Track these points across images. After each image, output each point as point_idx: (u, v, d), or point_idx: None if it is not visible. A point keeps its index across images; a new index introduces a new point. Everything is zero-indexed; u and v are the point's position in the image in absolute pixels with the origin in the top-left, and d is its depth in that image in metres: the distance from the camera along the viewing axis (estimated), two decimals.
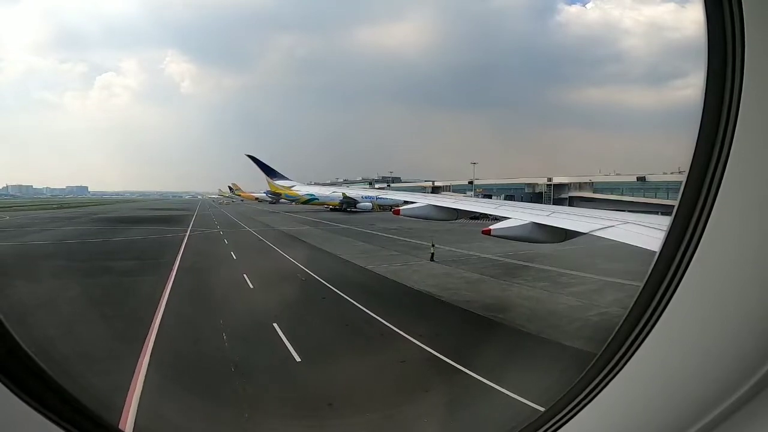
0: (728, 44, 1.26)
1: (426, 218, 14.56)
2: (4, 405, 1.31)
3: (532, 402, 6.82)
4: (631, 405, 1.49)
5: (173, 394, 7.75)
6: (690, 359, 1.36)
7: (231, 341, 10.26)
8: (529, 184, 70.51)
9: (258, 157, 27.56)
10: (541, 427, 1.67)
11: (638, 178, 58.21)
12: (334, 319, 12.52)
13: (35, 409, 1.36)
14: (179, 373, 8.73)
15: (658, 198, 50.33)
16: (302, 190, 36.15)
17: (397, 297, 15.36)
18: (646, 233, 7.63)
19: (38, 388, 1.41)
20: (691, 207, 1.36)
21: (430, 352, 9.57)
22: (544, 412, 1.71)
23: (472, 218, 25.48)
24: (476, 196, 50.04)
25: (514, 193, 65.78)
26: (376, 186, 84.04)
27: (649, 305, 1.42)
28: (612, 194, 58.28)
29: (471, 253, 24.48)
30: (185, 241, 31.19)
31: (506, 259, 22.23)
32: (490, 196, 53.77)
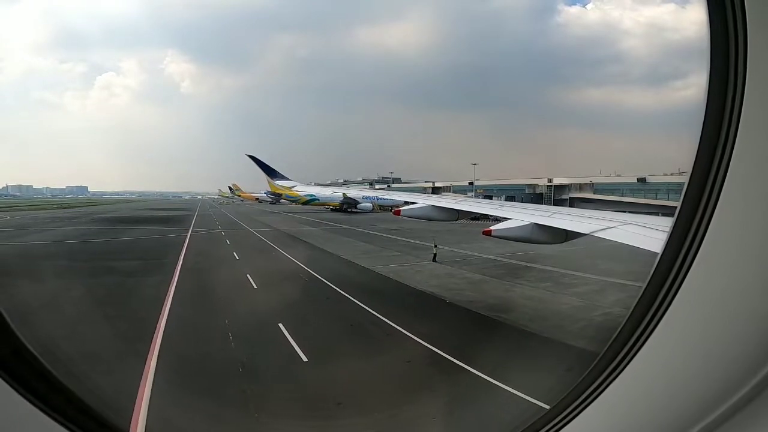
0: (731, 44, 1.25)
1: (426, 219, 14.58)
2: (9, 405, 1.31)
3: (538, 400, 6.88)
4: (634, 404, 1.50)
5: (182, 394, 7.78)
6: (692, 359, 1.36)
7: (237, 341, 10.31)
8: (529, 185, 70.46)
9: (258, 158, 27.64)
10: (548, 424, 1.69)
11: (639, 179, 58.27)
12: (339, 319, 12.57)
13: (40, 409, 1.35)
14: (187, 373, 8.77)
15: (659, 199, 50.40)
16: (303, 190, 36.12)
17: (400, 297, 15.41)
18: (647, 234, 7.65)
19: (43, 389, 1.41)
20: (693, 208, 1.36)
21: (436, 352, 9.63)
22: (550, 409, 1.73)
23: (472, 219, 25.46)
24: (476, 197, 50.06)
25: (514, 194, 65.78)
26: (376, 186, 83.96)
27: (652, 305, 1.43)
28: (612, 195, 58.33)
29: (472, 253, 24.54)
30: (187, 241, 31.20)
31: (508, 260, 22.29)
32: (490, 197, 53.77)
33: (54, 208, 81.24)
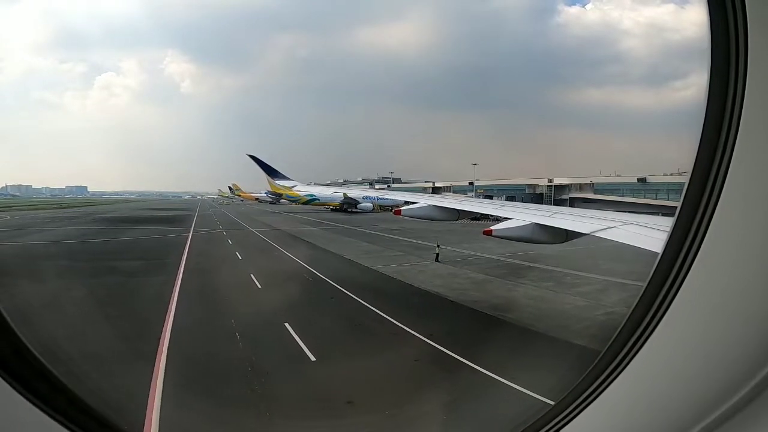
0: (731, 44, 1.25)
1: (427, 219, 14.61)
2: (10, 405, 1.30)
3: (543, 396, 6.92)
4: (634, 403, 1.50)
5: (192, 394, 7.80)
6: (693, 359, 1.36)
7: (245, 341, 10.34)
8: (529, 185, 70.52)
9: (259, 157, 27.61)
10: (550, 422, 1.70)
11: (639, 180, 58.36)
12: (345, 319, 12.63)
13: (41, 409, 1.35)
14: (196, 373, 8.80)
15: (659, 199, 50.51)
16: (303, 190, 36.14)
17: (405, 297, 15.46)
18: (648, 234, 7.69)
19: (44, 389, 1.40)
20: (694, 207, 1.36)
21: (443, 351, 9.69)
22: (551, 408, 1.74)
23: (473, 219, 25.50)
24: (477, 197, 50.11)
25: (514, 194, 65.82)
26: (377, 186, 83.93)
27: (652, 305, 1.43)
28: (613, 195, 58.43)
29: (474, 253, 24.60)
30: (189, 241, 31.20)
31: (510, 260, 22.35)
32: (491, 197, 53.83)
33: (54, 208, 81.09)
